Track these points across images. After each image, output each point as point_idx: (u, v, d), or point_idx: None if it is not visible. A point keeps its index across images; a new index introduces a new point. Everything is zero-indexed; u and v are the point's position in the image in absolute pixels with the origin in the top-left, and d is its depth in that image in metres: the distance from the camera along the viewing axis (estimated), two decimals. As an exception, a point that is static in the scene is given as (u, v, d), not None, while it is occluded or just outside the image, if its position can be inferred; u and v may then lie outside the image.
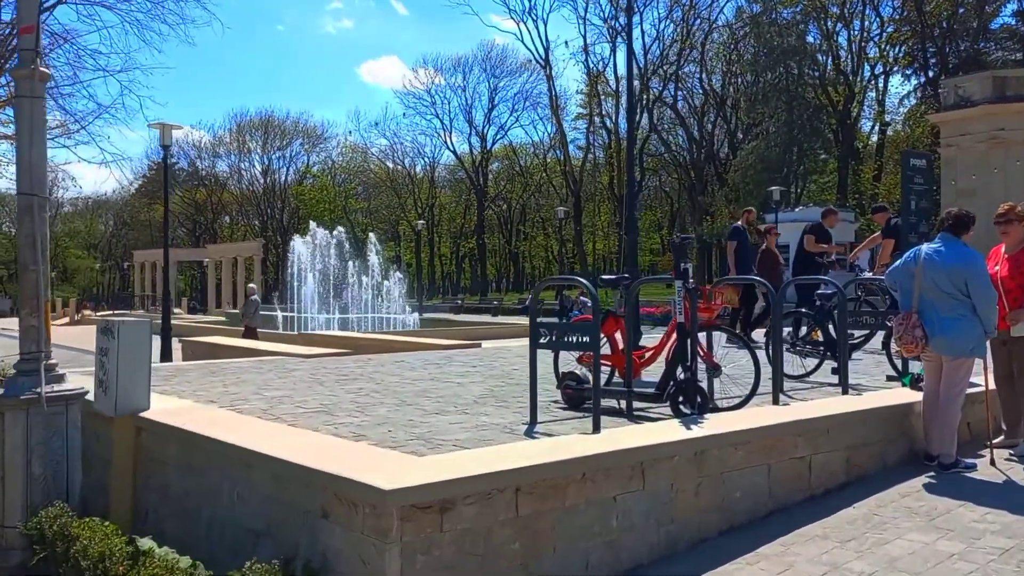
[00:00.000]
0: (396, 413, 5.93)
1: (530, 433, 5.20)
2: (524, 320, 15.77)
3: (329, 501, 3.81)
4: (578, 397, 6.21)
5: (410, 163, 70.56)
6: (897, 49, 44.40)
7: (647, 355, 6.46)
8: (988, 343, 6.17)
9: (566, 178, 55.12)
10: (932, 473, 5.80)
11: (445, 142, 66.76)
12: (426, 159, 70.18)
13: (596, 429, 5.03)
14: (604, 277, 6.75)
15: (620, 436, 4.80)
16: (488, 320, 28.33)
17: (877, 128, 42.44)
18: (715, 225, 41.62)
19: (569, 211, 52.54)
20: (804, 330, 8.52)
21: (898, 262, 6.18)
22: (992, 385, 6.44)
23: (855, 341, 9.01)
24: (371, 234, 32.95)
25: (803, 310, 8.61)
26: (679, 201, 55.62)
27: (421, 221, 54.70)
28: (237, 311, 25.95)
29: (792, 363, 8.27)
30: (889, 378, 7.85)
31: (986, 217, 20.79)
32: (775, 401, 6.21)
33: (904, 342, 5.92)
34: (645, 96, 46.80)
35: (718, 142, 50.50)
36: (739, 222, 12.16)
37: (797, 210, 34.28)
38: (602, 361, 6.65)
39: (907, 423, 6.21)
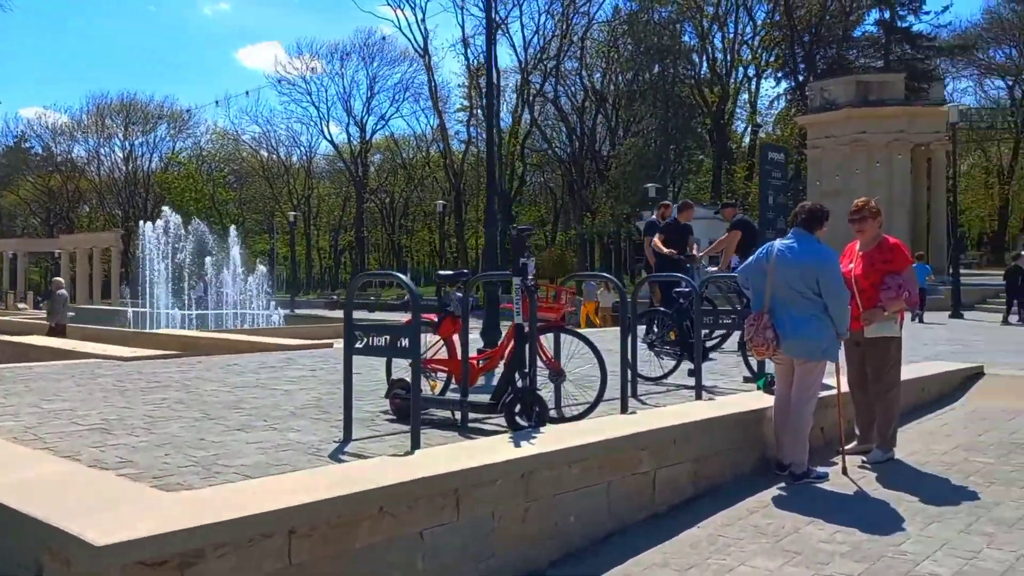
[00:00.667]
0: (188, 430, 5.10)
1: (337, 454, 4.49)
2: (398, 316, 14.96)
3: (43, 555, 3.00)
4: (408, 408, 5.55)
5: (285, 152, 68.18)
6: (769, 53, 45.76)
7: (484, 360, 5.86)
8: (842, 345, 5.89)
9: (447, 171, 54.23)
10: (783, 484, 5.43)
11: (322, 131, 64.82)
12: (302, 148, 67.98)
13: (414, 447, 4.38)
14: (440, 273, 6.10)
15: (435, 458, 4.15)
16: (358, 317, 27.09)
17: (749, 129, 43.77)
18: (595, 222, 41.84)
19: (449, 205, 51.73)
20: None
21: (750, 259, 5.79)
22: (845, 388, 6.16)
23: (712, 342, 8.71)
24: (232, 227, 31.23)
25: (660, 309, 8.22)
26: (563, 197, 55.75)
27: (293, 212, 52.77)
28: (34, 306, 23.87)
29: (651, 364, 7.88)
30: (746, 379, 7.54)
31: (847, 218, 21.16)
32: (623, 409, 5.73)
33: (755, 344, 5.53)
34: (526, 91, 46.54)
35: (600, 139, 50.83)
36: (654, 216, 11.81)
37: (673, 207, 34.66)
38: (440, 367, 6.04)
39: (759, 430, 5.84)
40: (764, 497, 5.20)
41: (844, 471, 5.59)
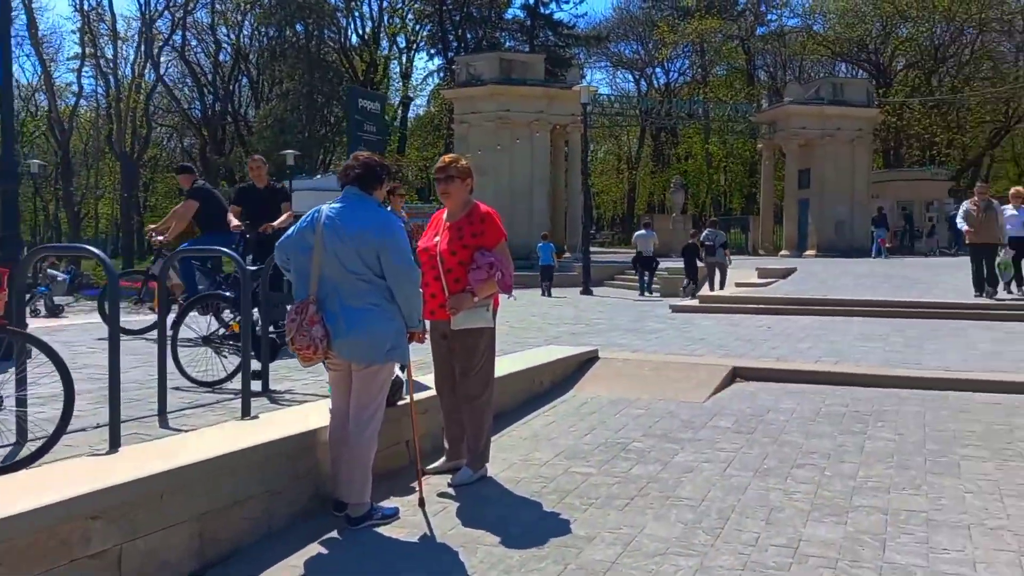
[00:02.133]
0: None
1: None
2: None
3: None
4: None
5: None
6: (422, 27, 45.38)
7: None
8: (428, 339, 4.63)
9: (52, 127, 46.62)
10: (336, 533, 4.02)
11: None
12: None
13: None
14: None
15: None
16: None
17: (400, 101, 42.93)
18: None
19: (51, 166, 44.57)
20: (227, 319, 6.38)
21: (292, 229, 4.25)
22: (419, 394, 4.93)
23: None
24: None
25: (222, 292, 6.45)
26: (199, 163, 50.96)
27: None
28: None
29: (208, 364, 6.13)
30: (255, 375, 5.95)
31: (494, 196, 20.71)
32: (112, 444, 3.93)
33: (299, 346, 4.02)
34: (150, 41, 41.20)
35: (245, 100, 47.02)
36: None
37: (317, 177, 32.81)
38: None
39: (313, 458, 4.36)
40: (302, 556, 3.73)
41: (421, 502, 4.30)
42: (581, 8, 78.29)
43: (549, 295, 19.95)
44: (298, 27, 36.45)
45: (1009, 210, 12.99)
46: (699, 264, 19.03)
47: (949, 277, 16.85)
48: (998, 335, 10.21)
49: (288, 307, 4.20)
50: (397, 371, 4.72)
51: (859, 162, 33.10)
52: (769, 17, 52.88)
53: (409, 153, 38.12)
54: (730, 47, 52.25)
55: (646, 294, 20.40)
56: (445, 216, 4.86)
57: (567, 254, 29.36)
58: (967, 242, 12.86)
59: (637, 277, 21.20)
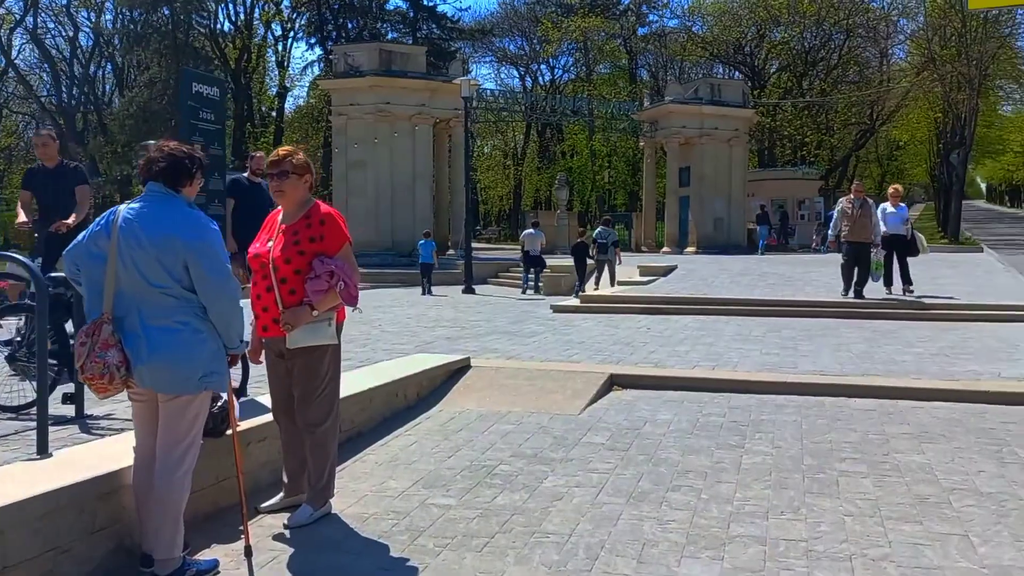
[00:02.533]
0: None
1: None
2: None
3: None
4: None
5: None
6: (300, 16, 43.77)
7: None
8: (249, 362, 4.02)
9: None
10: (141, 596, 3.37)
11: None
12: None
13: None
14: None
15: None
16: None
17: (277, 92, 41.13)
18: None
19: None
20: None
21: (82, 234, 3.55)
22: (255, 419, 4.32)
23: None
24: None
25: (28, 303, 5.59)
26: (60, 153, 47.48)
27: None
28: None
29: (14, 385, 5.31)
30: (67, 397, 5.23)
31: (375, 190, 19.87)
32: None
33: (90, 375, 3.35)
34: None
35: (109, 87, 44.15)
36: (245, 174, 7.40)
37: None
38: None
39: (114, 505, 3.68)
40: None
41: (248, 551, 3.68)
42: (465, 1, 77.88)
43: (430, 293, 19.50)
44: (164, 10, 34.22)
45: (888, 208, 13.08)
46: (589, 262, 18.90)
47: (819, 275, 17.22)
48: (867, 334, 10.30)
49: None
50: (227, 396, 4.10)
51: (736, 161, 33.91)
52: (650, 18, 53.88)
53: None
54: (613, 46, 52.91)
55: (529, 292, 20.14)
56: (280, 218, 4.24)
57: (451, 251, 28.84)
58: (842, 240, 12.71)
59: (522, 276, 21.01)
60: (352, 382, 6.10)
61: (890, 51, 46.31)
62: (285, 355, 4.16)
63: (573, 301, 14.25)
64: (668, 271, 19.10)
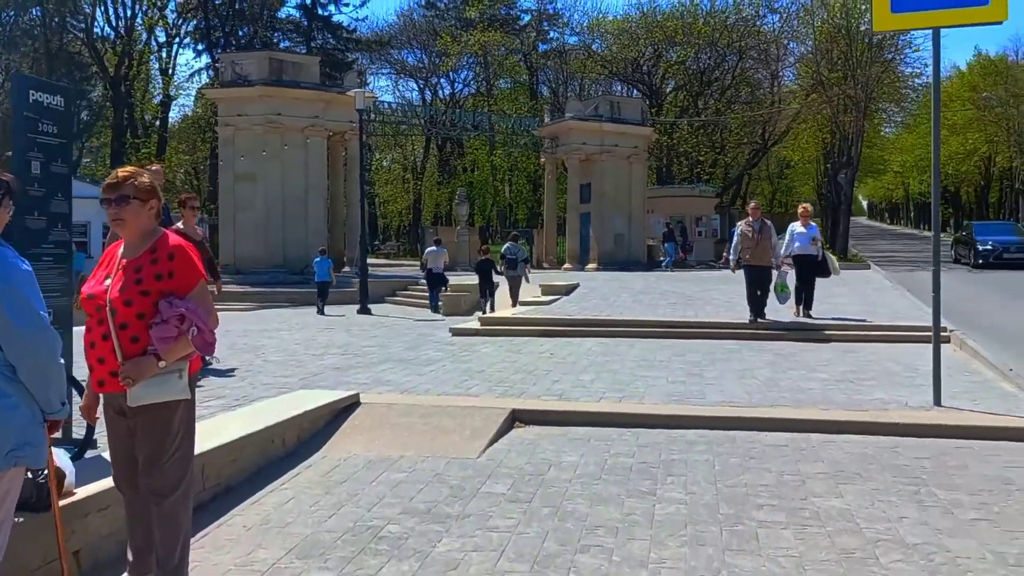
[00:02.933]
0: None
1: None
2: None
3: None
4: None
5: None
6: (186, 22, 41.99)
7: None
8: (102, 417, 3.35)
9: None
10: None
11: None
12: None
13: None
14: None
15: None
16: None
17: (161, 101, 38.93)
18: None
19: None
20: None
21: None
22: (95, 484, 3.64)
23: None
24: None
25: None
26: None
27: None
28: None
29: None
30: None
31: (265, 204, 18.69)
32: None
33: None
34: None
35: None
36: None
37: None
38: None
39: None
40: None
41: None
42: (362, 12, 76.50)
43: (323, 313, 18.60)
44: (35, 12, 31.88)
45: (797, 227, 12.86)
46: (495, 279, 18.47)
47: (719, 294, 17.26)
48: (769, 357, 10.16)
49: None
50: (59, 462, 3.42)
51: (636, 178, 34.16)
52: (551, 35, 54.15)
53: (170, 157, 34.82)
54: (513, 61, 52.92)
55: (439, 315, 19.50)
56: (121, 251, 3.57)
57: (346, 268, 27.92)
58: (742, 264, 12.25)
59: (429, 295, 20.40)
60: (221, 429, 5.41)
61: (781, 73, 47.85)
62: (127, 413, 3.48)
63: (473, 323, 13.73)
64: (570, 290, 18.83)
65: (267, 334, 13.74)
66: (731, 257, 12.75)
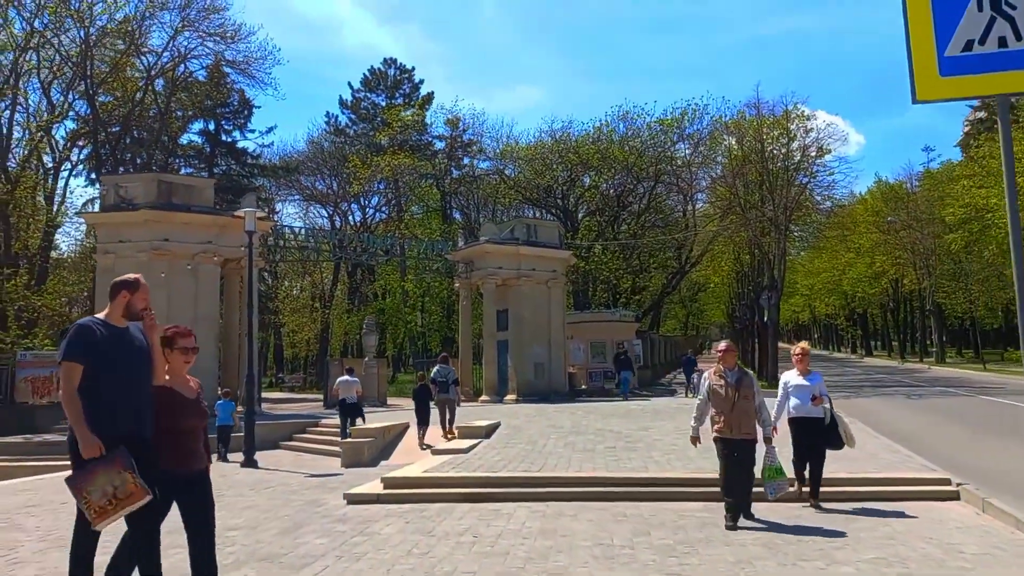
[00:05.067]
0: None
1: None
2: None
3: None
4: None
5: None
6: (81, 150, 39.40)
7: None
8: None
9: None
10: None
11: None
12: None
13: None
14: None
15: None
16: None
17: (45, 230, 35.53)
18: None
19: None
20: None
21: None
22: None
23: None
24: None
25: None
26: None
27: None
28: None
29: None
30: None
31: None
32: None
33: None
34: None
35: None
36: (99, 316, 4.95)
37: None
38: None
39: None
40: None
41: None
42: (269, 138, 75.01)
43: (226, 460, 16.71)
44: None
45: (793, 378, 9.28)
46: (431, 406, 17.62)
47: (658, 433, 15.22)
48: (764, 536, 7.94)
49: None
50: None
51: (555, 303, 32.50)
52: (464, 160, 53.39)
53: (51, 286, 31.52)
54: (425, 185, 51.79)
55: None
56: None
57: (240, 408, 24.85)
58: (713, 436, 8.38)
59: (340, 429, 19.15)
60: None
61: (694, 196, 47.88)
62: None
63: (375, 487, 11.10)
64: (490, 431, 16.48)
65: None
66: (693, 423, 8.68)
